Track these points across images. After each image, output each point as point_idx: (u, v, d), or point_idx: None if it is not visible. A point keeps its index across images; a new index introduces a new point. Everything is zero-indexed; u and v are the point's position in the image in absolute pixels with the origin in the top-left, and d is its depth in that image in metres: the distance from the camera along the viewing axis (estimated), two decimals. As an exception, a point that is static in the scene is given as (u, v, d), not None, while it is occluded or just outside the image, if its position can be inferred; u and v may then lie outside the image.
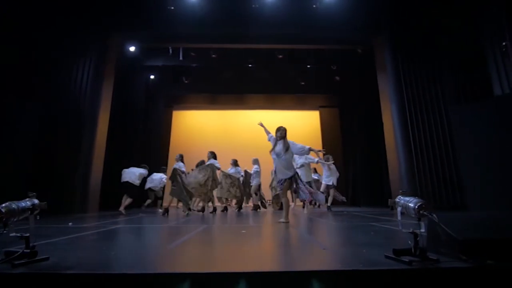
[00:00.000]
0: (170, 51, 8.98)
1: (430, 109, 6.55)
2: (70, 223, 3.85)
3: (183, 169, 6.17)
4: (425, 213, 1.65)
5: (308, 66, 9.97)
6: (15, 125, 5.59)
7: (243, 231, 3.20)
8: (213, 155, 6.66)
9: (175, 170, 5.88)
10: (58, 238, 2.67)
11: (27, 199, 1.81)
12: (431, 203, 6.09)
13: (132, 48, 8.17)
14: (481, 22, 5.92)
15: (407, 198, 1.75)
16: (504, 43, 5.25)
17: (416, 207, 1.66)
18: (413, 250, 1.67)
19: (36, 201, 1.83)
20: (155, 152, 10.10)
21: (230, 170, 7.34)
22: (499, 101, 5.47)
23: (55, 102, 6.27)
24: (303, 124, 11.65)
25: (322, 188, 7.05)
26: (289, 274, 1.51)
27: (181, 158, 6.25)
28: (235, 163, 7.47)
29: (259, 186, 7.43)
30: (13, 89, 5.81)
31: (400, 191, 1.84)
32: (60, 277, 1.45)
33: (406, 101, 6.65)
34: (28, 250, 1.72)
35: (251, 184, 7.49)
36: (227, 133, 11.49)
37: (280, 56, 9.05)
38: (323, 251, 2.03)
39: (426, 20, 6.73)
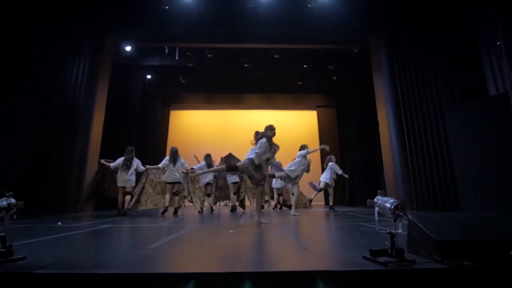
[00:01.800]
0: (166, 51, 8.97)
1: (425, 109, 6.53)
2: (59, 223, 3.85)
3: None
4: (400, 213, 1.63)
5: (305, 66, 9.95)
6: (9, 125, 5.60)
7: (231, 231, 3.20)
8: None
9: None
10: (43, 238, 2.67)
11: (4, 198, 1.81)
12: (421, 203, 6.07)
13: (128, 48, 8.17)
14: (476, 22, 5.89)
15: (385, 198, 1.74)
16: (498, 43, 5.22)
17: (392, 207, 1.65)
18: (389, 251, 1.66)
19: (12, 200, 1.82)
20: (152, 152, 10.09)
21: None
22: (494, 100, 5.46)
23: (49, 101, 6.27)
24: (301, 124, 11.63)
25: (322, 185, 7.05)
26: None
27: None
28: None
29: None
30: (7, 88, 5.82)
31: (379, 191, 1.83)
32: (31, 276, 1.45)
33: (401, 101, 6.63)
34: (4, 250, 1.72)
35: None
36: (224, 133, 11.47)
37: (276, 56, 9.03)
38: (302, 251, 2.02)
39: (421, 20, 6.71)
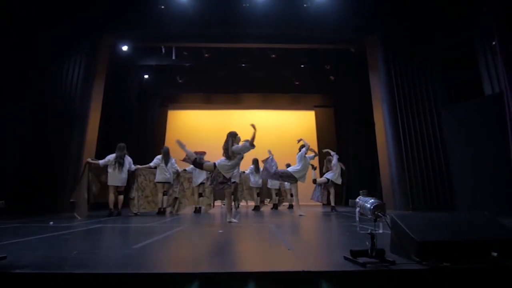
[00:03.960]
0: (163, 51, 8.98)
1: (421, 109, 6.51)
2: (51, 222, 3.85)
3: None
4: (380, 214, 1.63)
5: (302, 66, 9.94)
6: (6, 124, 5.61)
7: (220, 231, 3.19)
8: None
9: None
10: (31, 237, 2.67)
11: (-15, 198, 1.81)
12: (417, 203, 6.05)
13: (124, 48, 8.17)
14: (472, 22, 5.87)
15: (365, 199, 1.73)
16: (493, 43, 5.20)
17: (372, 207, 1.64)
18: (369, 252, 1.65)
19: (-7, 200, 1.83)
20: (149, 152, 10.08)
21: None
22: (489, 100, 5.44)
23: (46, 101, 6.26)
24: (298, 124, 11.62)
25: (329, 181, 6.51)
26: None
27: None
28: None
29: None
30: (5, 88, 5.83)
31: (361, 191, 1.82)
32: (6, 276, 1.44)
33: (397, 101, 6.62)
34: (-15, 249, 1.72)
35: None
36: (222, 133, 11.34)
37: (273, 56, 9.02)
38: (286, 251, 2.01)
39: (418, 20, 6.69)
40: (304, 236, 2.99)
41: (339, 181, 6.53)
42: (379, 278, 1.52)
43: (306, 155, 5.80)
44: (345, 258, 1.74)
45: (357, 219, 1.74)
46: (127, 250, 2.07)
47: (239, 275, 1.46)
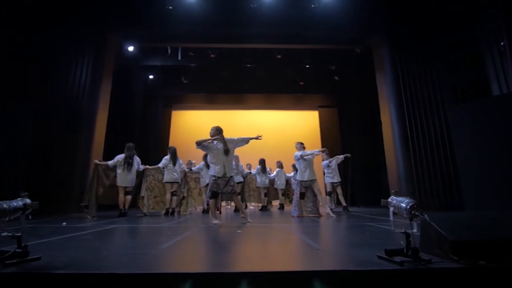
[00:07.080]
0: (169, 51, 8.97)
1: (428, 108, 6.54)
2: (64, 223, 3.85)
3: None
4: (416, 213, 1.64)
5: (307, 66, 9.97)
6: (11, 125, 5.57)
7: (239, 231, 3.20)
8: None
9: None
10: (52, 238, 2.67)
11: (19, 198, 1.81)
12: (425, 203, 6.07)
13: (130, 48, 8.15)
14: (478, 22, 5.91)
15: (400, 198, 1.75)
16: (502, 43, 5.23)
17: (408, 207, 1.66)
18: (405, 251, 1.67)
19: (28, 200, 1.83)
20: (154, 153, 10.08)
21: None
22: (497, 101, 5.47)
23: (52, 102, 6.23)
24: (302, 124, 11.63)
25: (328, 188, 6.64)
26: (291, 274, 1.51)
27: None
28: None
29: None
30: (9, 89, 5.80)
31: (393, 191, 1.84)
32: (50, 276, 1.45)
33: (404, 101, 6.65)
34: (20, 250, 1.72)
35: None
36: (226, 133, 11.39)
37: (279, 56, 9.04)
38: (317, 251, 2.03)
39: (424, 20, 6.72)
40: (325, 236, 3.00)
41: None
42: (418, 276, 1.54)
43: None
44: (379, 257, 1.75)
45: (391, 218, 1.75)
46: (155, 251, 2.08)
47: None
